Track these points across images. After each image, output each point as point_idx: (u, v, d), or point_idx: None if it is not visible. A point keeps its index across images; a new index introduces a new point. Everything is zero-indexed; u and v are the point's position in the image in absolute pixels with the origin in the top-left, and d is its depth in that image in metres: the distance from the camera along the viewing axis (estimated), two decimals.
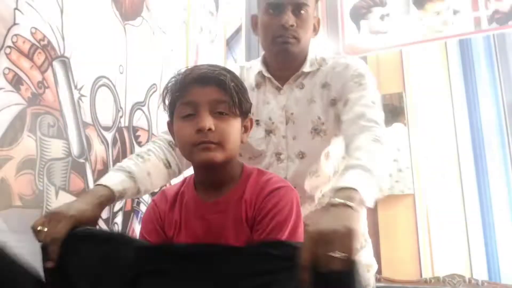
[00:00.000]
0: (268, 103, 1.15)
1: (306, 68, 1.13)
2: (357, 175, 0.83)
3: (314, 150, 1.09)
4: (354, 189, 0.76)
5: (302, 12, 1.08)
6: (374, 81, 1.09)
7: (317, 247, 0.61)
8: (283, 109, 1.13)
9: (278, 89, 1.15)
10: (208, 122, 0.79)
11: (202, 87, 0.81)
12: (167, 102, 0.87)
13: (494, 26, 2.11)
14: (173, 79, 0.85)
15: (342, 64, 1.11)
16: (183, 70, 0.85)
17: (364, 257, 1.12)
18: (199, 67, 0.84)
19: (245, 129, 0.89)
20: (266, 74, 1.15)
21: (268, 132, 1.13)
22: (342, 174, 0.84)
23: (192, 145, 0.81)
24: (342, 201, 0.71)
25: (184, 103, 0.82)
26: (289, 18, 1.07)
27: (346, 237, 0.62)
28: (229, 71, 0.85)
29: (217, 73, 0.81)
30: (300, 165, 1.09)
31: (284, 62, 1.13)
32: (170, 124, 0.90)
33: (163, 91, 0.87)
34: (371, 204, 0.81)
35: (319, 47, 1.26)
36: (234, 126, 0.83)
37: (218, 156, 0.81)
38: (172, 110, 0.87)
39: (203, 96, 0.81)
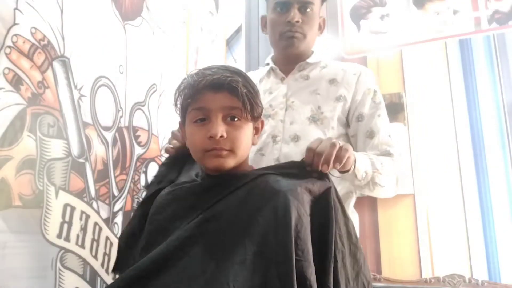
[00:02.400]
0: (271, 93, 1.22)
1: (311, 59, 1.23)
2: (362, 155, 1.00)
3: (309, 135, 1.12)
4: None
5: (308, 10, 1.18)
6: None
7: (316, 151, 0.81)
8: (284, 97, 1.19)
9: (282, 79, 1.23)
10: (220, 129, 0.79)
11: (214, 93, 0.80)
12: (178, 104, 0.86)
13: (494, 26, 2.11)
14: (185, 81, 0.84)
15: (354, 69, 1.21)
16: (195, 72, 0.84)
17: None
18: (212, 71, 0.82)
19: (256, 131, 0.90)
20: (273, 65, 1.25)
21: (267, 116, 1.18)
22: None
23: (204, 151, 0.81)
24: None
25: (196, 109, 0.82)
26: (295, 15, 1.16)
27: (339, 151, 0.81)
28: (242, 75, 0.84)
29: (230, 80, 0.80)
30: (293, 147, 1.12)
31: (289, 57, 1.22)
32: (181, 125, 0.90)
33: (175, 93, 0.86)
34: (358, 174, 0.96)
35: (319, 47, 1.31)
36: (246, 131, 0.83)
37: (229, 162, 0.81)
38: (184, 113, 0.86)
39: (215, 102, 0.80)
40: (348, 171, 0.93)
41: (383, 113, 1.17)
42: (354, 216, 1.19)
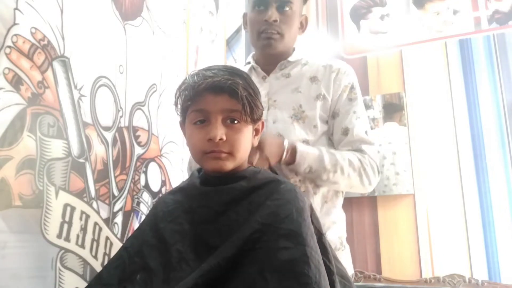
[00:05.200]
0: None
1: (292, 57, 1.22)
2: (313, 151, 1.07)
3: (292, 133, 1.12)
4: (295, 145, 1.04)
5: (286, 9, 1.16)
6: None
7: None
8: (266, 96, 1.18)
9: (264, 78, 1.22)
10: (220, 132, 0.79)
11: (215, 95, 0.80)
12: (179, 104, 0.86)
13: (494, 26, 2.11)
14: (185, 82, 0.84)
15: (333, 67, 1.20)
16: (195, 73, 0.84)
17: (342, 260, 1.11)
18: (213, 72, 0.82)
19: (256, 133, 0.90)
20: (254, 64, 1.25)
21: None
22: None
23: (203, 153, 0.81)
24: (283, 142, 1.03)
25: (196, 110, 0.82)
26: (273, 14, 1.15)
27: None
28: (243, 77, 0.84)
29: (231, 82, 0.80)
30: None
31: (269, 57, 1.22)
32: (182, 124, 0.90)
33: (175, 93, 0.86)
34: (299, 168, 1.04)
35: (319, 47, 1.29)
36: (246, 134, 0.83)
37: (228, 165, 0.81)
38: (184, 114, 0.86)
39: (215, 104, 0.80)
40: (292, 164, 1.04)
41: (358, 109, 1.16)
42: (341, 216, 1.18)
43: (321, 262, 0.71)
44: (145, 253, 0.78)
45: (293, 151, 1.03)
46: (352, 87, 1.18)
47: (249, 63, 1.28)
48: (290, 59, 1.22)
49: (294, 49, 1.24)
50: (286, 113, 1.14)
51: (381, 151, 2.13)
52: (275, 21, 1.14)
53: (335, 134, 1.16)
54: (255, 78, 1.23)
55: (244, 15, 1.27)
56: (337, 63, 1.22)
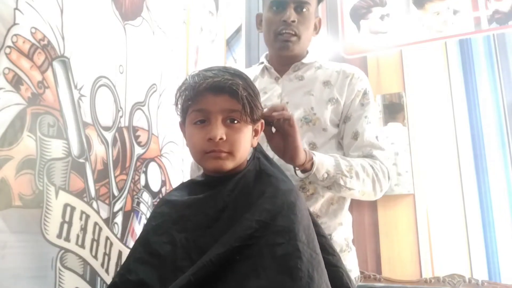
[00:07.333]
0: (265, 93, 1.21)
1: (306, 59, 1.22)
2: (327, 157, 1.02)
3: (301, 136, 1.10)
4: (313, 153, 0.99)
5: (304, 10, 1.17)
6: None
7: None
8: (279, 97, 1.19)
9: (277, 79, 1.23)
10: (220, 131, 0.80)
11: (215, 95, 0.81)
12: (179, 105, 0.87)
13: (494, 26, 2.11)
14: (186, 82, 0.85)
15: (346, 71, 1.20)
16: (196, 74, 0.84)
17: (347, 262, 1.09)
18: (213, 73, 0.82)
19: (256, 133, 0.90)
20: (267, 64, 1.24)
21: None
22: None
23: (203, 152, 0.82)
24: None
25: (196, 110, 0.83)
26: (291, 15, 1.15)
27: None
28: (242, 77, 0.84)
29: (231, 83, 0.80)
30: None
31: (284, 58, 1.21)
32: (182, 125, 0.91)
33: (176, 94, 0.86)
34: (318, 175, 0.99)
35: (319, 47, 1.29)
36: (245, 134, 0.84)
37: (228, 164, 0.82)
38: (184, 114, 0.87)
39: (215, 104, 0.81)
40: (309, 171, 0.98)
41: (370, 115, 1.15)
42: (348, 218, 1.18)
43: (315, 255, 0.72)
44: (138, 270, 0.77)
45: (310, 158, 1.00)
46: (365, 93, 1.17)
47: (262, 63, 1.27)
48: (304, 61, 1.22)
49: (307, 52, 1.24)
50: (296, 115, 1.13)
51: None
52: (293, 21, 1.15)
53: (345, 138, 1.15)
54: (268, 79, 1.23)
55: (258, 16, 1.28)
56: (350, 68, 1.22)
